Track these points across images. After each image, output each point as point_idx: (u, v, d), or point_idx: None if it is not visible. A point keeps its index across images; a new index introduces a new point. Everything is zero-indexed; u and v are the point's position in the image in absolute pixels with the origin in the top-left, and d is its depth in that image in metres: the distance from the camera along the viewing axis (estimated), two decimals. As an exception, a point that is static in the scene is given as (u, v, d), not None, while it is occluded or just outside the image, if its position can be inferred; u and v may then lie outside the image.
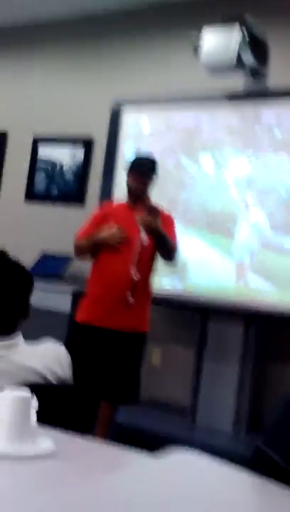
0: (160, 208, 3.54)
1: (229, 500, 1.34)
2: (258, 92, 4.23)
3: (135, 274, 3.49)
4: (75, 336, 3.57)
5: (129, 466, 1.46)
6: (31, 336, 1.99)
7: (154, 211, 3.35)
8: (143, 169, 3.55)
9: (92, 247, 3.53)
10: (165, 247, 3.44)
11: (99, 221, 3.62)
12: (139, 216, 3.34)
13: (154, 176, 3.59)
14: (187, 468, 1.50)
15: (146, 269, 3.54)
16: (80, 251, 3.58)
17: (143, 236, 3.46)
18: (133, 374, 3.56)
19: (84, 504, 1.20)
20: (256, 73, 4.23)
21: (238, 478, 1.46)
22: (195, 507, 1.26)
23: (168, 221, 3.57)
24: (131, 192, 3.61)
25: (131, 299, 3.46)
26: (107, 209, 3.78)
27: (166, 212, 3.71)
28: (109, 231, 3.43)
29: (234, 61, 3.93)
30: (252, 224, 4.15)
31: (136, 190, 3.57)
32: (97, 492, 1.27)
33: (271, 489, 1.41)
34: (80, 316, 3.55)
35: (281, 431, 1.62)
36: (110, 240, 3.42)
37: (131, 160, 3.66)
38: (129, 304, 3.47)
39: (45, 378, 1.89)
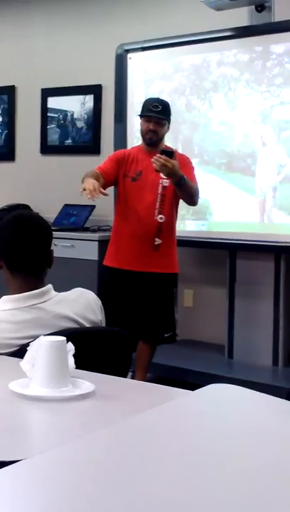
0: (175, 149, 3.49)
1: (271, 427, 1.35)
2: (265, 26, 4.11)
3: (160, 217, 3.47)
4: (107, 281, 3.62)
5: (170, 402, 1.47)
6: (64, 285, 2.00)
7: (168, 153, 3.30)
8: (152, 115, 3.48)
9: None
10: (184, 188, 3.41)
11: (119, 157, 3.60)
12: (154, 158, 3.29)
13: (165, 120, 3.52)
14: (229, 400, 1.51)
15: (170, 211, 3.53)
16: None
17: (163, 177, 3.43)
18: (169, 314, 3.61)
19: (128, 440, 1.22)
20: (261, 7, 4.12)
21: (281, 406, 1.47)
22: (242, 437, 1.27)
23: (185, 163, 3.53)
24: (144, 137, 3.56)
25: (158, 241, 3.46)
26: (127, 151, 3.73)
27: (183, 154, 3.67)
28: (88, 183, 3.27)
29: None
30: (271, 160, 4.09)
31: (147, 138, 3.52)
32: (141, 427, 1.28)
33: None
34: (110, 261, 3.58)
35: None
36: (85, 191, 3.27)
37: (143, 104, 3.60)
38: (157, 246, 3.47)
39: (78, 324, 1.91)
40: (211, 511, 0.94)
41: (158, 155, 3.29)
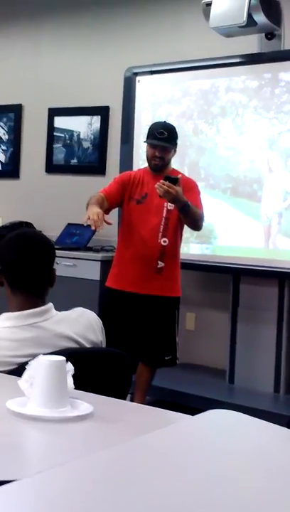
0: (180, 174, 3.48)
1: (271, 456, 1.32)
2: (274, 54, 4.14)
3: (163, 240, 3.47)
4: (108, 302, 3.60)
5: (169, 426, 1.45)
6: (65, 304, 1.99)
7: (172, 179, 3.29)
8: (157, 144, 3.48)
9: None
10: (188, 214, 3.40)
11: (125, 179, 3.60)
12: (157, 184, 3.27)
13: (171, 145, 3.52)
14: (230, 426, 1.48)
15: (174, 234, 3.52)
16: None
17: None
18: (170, 337, 3.58)
19: (124, 463, 1.19)
20: (271, 34, 4.16)
21: (278, 434, 1.44)
22: (240, 463, 1.24)
23: (191, 187, 3.53)
24: (149, 163, 3.57)
25: (161, 264, 3.45)
26: (133, 173, 3.73)
27: (190, 178, 3.66)
28: (92, 212, 3.26)
29: (245, 21, 3.83)
30: (277, 186, 4.09)
31: (153, 164, 3.53)
32: (138, 451, 1.26)
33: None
34: (112, 283, 3.57)
35: None
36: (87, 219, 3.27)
37: (148, 129, 3.60)
38: (159, 270, 3.46)
39: (78, 344, 1.88)
40: None
41: (161, 181, 3.27)
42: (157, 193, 3.33)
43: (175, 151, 3.58)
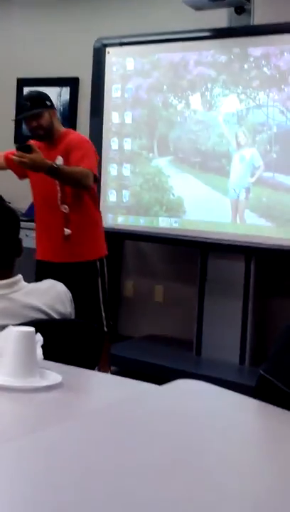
0: (31, 142, 3.42)
1: (235, 424, 1.36)
2: (243, 29, 4.14)
3: (64, 207, 3.46)
4: (36, 273, 3.57)
5: (135, 395, 1.48)
6: (32, 276, 1.99)
7: (24, 148, 3.22)
8: (24, 117, 3.49)
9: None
10: (60, 177, 3.31)
11: None
12: (14, 156, 3.22)
13: (39, 109, 3.42)
14: (193, 395, 1.52)
15: (76, 200, 3.47)
16: None
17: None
18: (93, 304, 3.50)
19: (91, 433, 1.22)
20: (240, 9, 4.15)
21: (243, 403, 1.49)
22: (202, 431, 1.28)
23: (73, 146, 3.44)
24: (34, 137, 3.54)
25: (67, 231, 3.46)
26: (33, 142, 3.64)
27: (79, 136, 3.60)
28: None
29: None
30: (245, 161, 4.12)
31: (37, 136, 3.48)
32: (106, 419, 1.29)
33: (276, 413, 1.43)
34: (37, 254, 3.60)
35: (283, 357, 1.64)
36: None
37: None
38: (67, 237, 3.46)
39: (47, 315, 1.90)
40: (167, 502, 0.94)
41: (15, 152, 3.23)
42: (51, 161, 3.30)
43: (51, 112, 3.49)
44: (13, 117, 5.30)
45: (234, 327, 4.12)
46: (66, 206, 3.46)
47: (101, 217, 3.68)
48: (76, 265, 3.48)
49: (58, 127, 3.53)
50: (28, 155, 3.16)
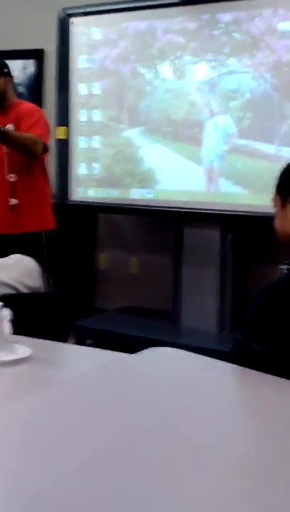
0: (24, 105, 3.43)
1: (211, 388, 1.33)
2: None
3: (10, 176, 3.39)
4: None
5: (108, 364, 1.44)
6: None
7: None
8: None
9: None
10: (7, 142, 3.28)
11: None
12: None
13: None
14: (169, 362, 1.49)
15: (23, 169, 3.42)
16: None
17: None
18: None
19: (65, 402, 1.18)
20: None
21: (218, 367, 1.46)
22: (179, 397, 1.25)
23: (24, 114, 3.43)
24: None
25: (13, 201, 3.39)
26: None
27: (29, 106, 3.57)
28: None
29: None
30: (218, 129, 4.06)
31: None
32: (77, 392, 1.25)
33: (253, 375, 1.41)
34: None
35: (258, 321, 1.61)
36: None
37: None
38: (13, 207, 3.40)
39: (16, 289, 1.85)
40: (146, 468, 0.91)
41: None
42: None
43: (7, 80, 3.46)
44: None
45: (212, 296, 4.10)
46: (13, 175, 3.38)
47: (50, 189, 3.62)
48: (22, 236, 3.39)
49: (11, 96, 3.49)
50: None
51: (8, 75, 3.47)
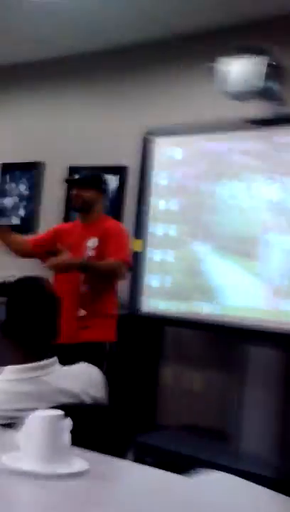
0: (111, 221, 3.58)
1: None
2: (284, 118, 4.21)
3: (83, 287, 3.47)
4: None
5: (163, 487, 1.43)
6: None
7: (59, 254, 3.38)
8: (79, 180, 3.59)
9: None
10: (92, 272, 3.41)
11: (51, 233, 3.75)
12: (48, 263, 3.36)
13: (88, 184, 3.56)
14: (227, 490, 1.46)
15: (97, 281, 3.49)
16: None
17: (90, 245, 3.45)
18: None
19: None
20: (279, 99, 4.24)
21: (269, 497, 1.42)
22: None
23: (113, 234, 3.55)
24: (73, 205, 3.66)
25: (82, 312, 3.44)
26: (61, 226, 3.89)
27: (114, 224, 3.70)
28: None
29: (261, 88, 3.95)
30: (284, 248, 4.10)
31: (72, 205, 3.59)
32: (131, 510, 1.24)
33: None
34: None
35: None
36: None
37: None
38: (81, 318, 3.44)
39: (79, 399, 1.88)
40: None
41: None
42: (77, 241, 3.42)
43: (99, 195, 3.61)
44: (63, 205, 5.47)
45: (273, 420, 3.95)
46: (87, 287, 3.48)
47: (117, 301, 3.69)
48: (82, 346, 3.45)
49: (99, 211, 3.63)
50: (58, 258, 3.32)
51: (104, 191, 3.61)
